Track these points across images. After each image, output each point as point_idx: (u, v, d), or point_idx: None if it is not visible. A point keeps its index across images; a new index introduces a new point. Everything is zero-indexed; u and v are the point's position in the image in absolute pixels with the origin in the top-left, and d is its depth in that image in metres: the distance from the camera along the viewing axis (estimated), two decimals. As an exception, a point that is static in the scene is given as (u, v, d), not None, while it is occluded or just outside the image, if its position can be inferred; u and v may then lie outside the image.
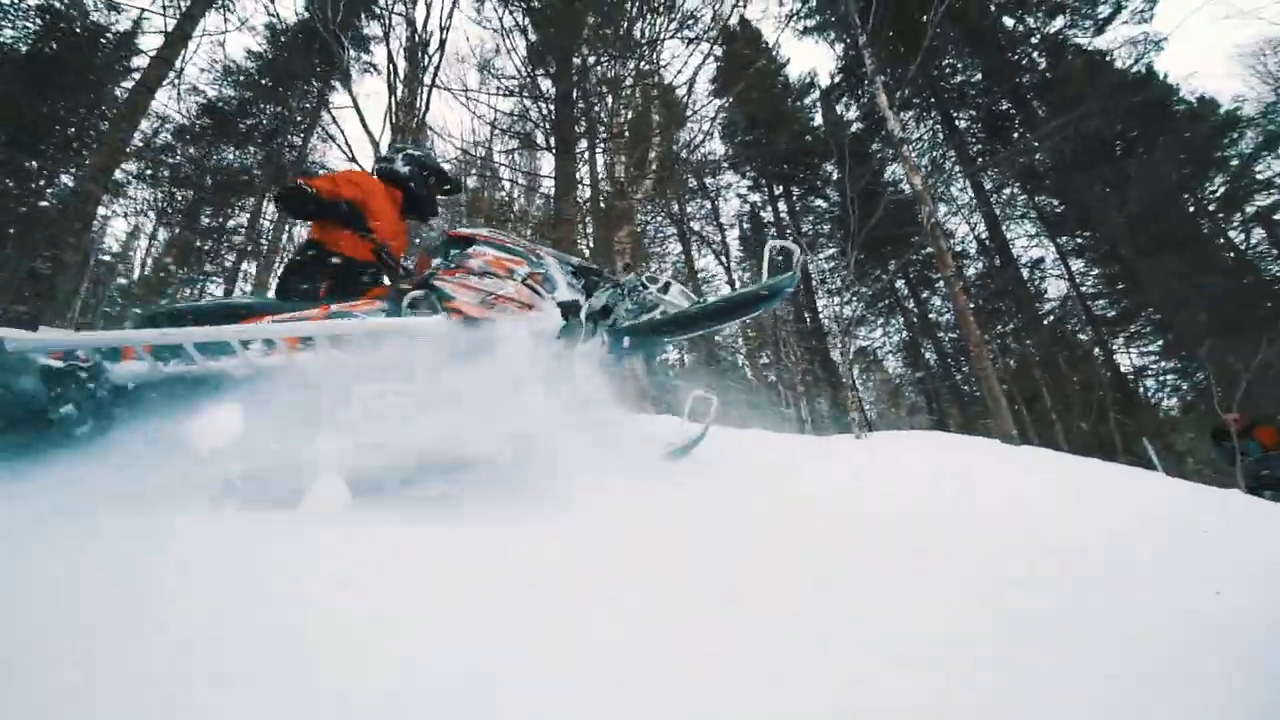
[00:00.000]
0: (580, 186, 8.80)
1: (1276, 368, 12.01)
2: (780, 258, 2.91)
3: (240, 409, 1.68)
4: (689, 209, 21.47)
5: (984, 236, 15.42)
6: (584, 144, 8.78)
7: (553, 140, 7.86)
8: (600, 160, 10.59)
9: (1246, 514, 2.80)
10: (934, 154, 15.08)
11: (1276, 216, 16.03)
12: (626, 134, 11.49)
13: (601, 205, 9.02)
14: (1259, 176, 16.72)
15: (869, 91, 9.56)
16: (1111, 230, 12.18)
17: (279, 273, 2.96)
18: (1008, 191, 15.30)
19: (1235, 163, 17.62)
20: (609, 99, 10.38)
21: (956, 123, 14.89)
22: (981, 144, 14.91)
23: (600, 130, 9.91)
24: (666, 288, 2.52)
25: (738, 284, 20.96)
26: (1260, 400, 9.40)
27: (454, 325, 2.13)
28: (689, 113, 22.05)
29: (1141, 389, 16.66)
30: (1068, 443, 14.22)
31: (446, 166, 3.08)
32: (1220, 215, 17.69)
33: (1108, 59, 16.33)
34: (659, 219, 21.85)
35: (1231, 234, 16.56)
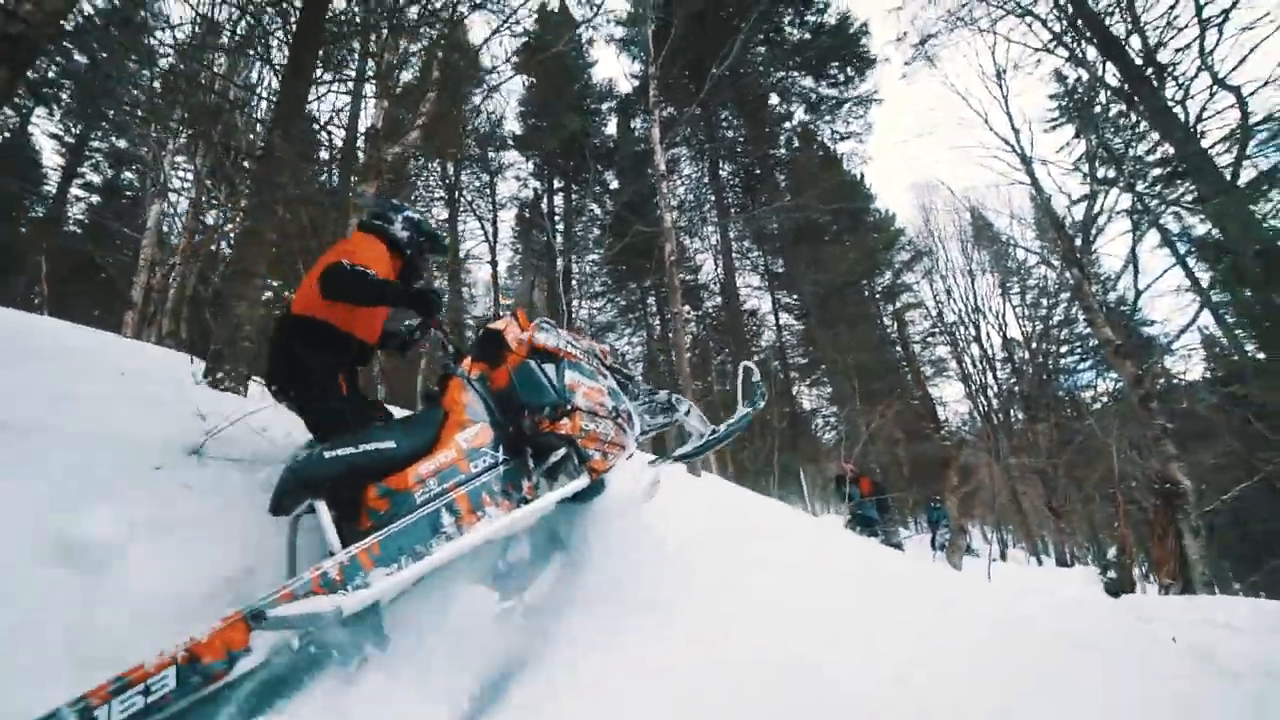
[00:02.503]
0: (321, 126, 7.35)
1: (888, 431, 16.24)
2: (745, 375, 3.18)
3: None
4: (463, 177, 20.14)
5: (720, 277, 17.56)
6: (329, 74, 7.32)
7: (284, 54, 6.24)
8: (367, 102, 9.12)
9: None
10: (698, 192, 16.66)
11: (907, 315, 21.36)
12: (398, 76, 10.16)
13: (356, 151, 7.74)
14: (906, 280, 22.61)
15: (647, 121, 9.91)
16: (806, 298, 14.89)
17: (272, 352, 2.30)
18: (746, 244, 17.72)
19: (895, 267, 23.50)
20: (384, 31, 9.00)
21: (721, 171, 16.68)
22: (737, 196, 16.97)
23: (360, 63, 8.51)
24: (687, 410, 2.86)
25: (500, 262, 20.42)
26: (871, 454, 12.56)
27: (594, 487, 2.21)
28: (485, 75, 21.02)
29: (812, 426, 21.01)
30: (750, 465, 17.20)
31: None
32: (881, 303, 23.27)
33: (836, 157, 20.12)
34: (429, 181, 20.24)
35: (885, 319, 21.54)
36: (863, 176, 25.52)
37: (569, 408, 2.14)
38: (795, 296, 19.44)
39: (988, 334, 20.33)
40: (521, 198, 22.14)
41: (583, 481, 2.08)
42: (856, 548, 5.14)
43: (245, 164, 8.09)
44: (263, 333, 4.88)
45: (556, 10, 24.53)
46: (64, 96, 16.33)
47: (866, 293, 22.09)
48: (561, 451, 2.11)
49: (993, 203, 16.22)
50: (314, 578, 1.46)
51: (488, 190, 20.79)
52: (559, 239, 20.26)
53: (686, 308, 24.44)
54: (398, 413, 2.56)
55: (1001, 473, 15.44)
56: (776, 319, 18.78)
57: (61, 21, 7.17)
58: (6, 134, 17.61)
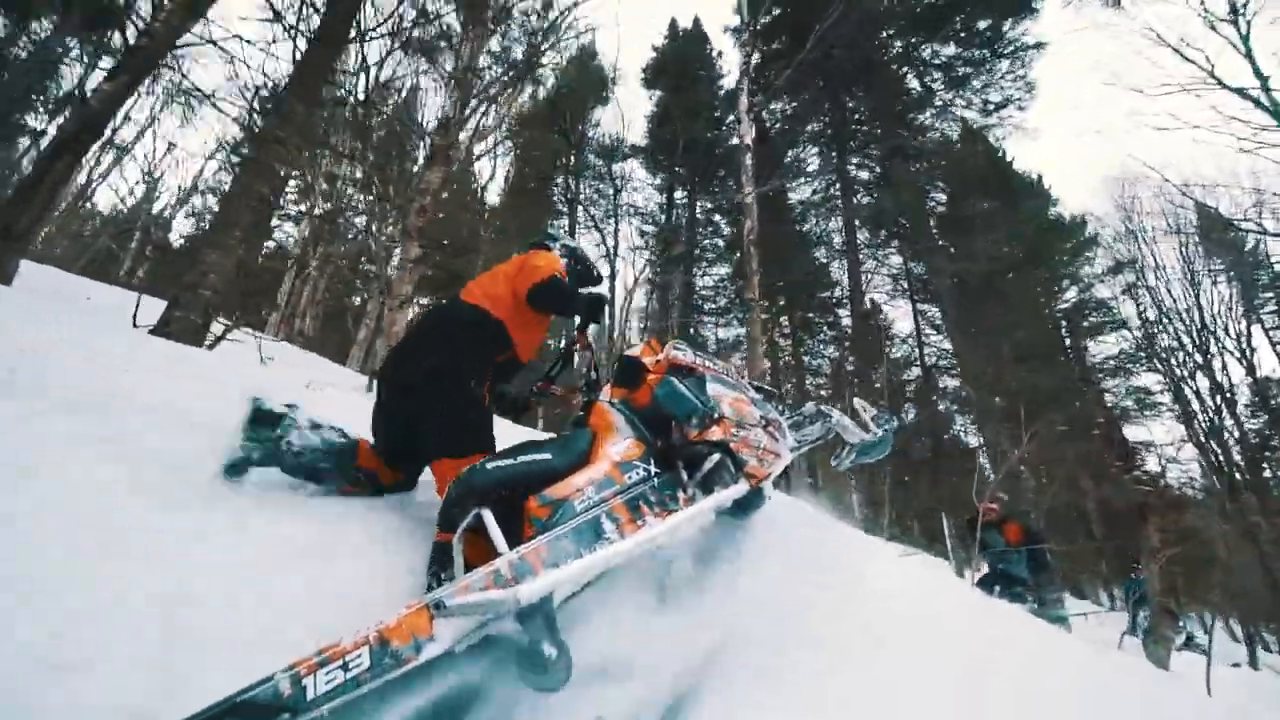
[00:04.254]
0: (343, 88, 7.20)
1: (1067, 469, 12.71)
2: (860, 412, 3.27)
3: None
4: (584, 190, 20.32)
5: (846, 285, 15.38)
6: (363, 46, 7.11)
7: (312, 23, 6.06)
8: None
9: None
10: (823, 180, 14.86)
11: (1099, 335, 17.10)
12: (486, 67, 10.14)
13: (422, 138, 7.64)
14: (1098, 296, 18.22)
15: (738, 88, 8.76)
16: (944, 293, 12.24)
17: (420, 329, 2.29)
18: (886, 254, 15.39)
19: (1085, 280, 19.13)
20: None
21: (849, 162, 14.72)
22: (870, 192, 14.83)
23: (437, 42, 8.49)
24: (838, 418, 2.89)
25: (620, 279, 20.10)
26: (1035, 496, 9.68)
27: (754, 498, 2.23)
28: (608, 88, 21.25)
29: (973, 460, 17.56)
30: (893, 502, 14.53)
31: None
32: (1059, 315, 19.04)
33: (996, 149, 16.96)
34: (552, 194, 20.75)
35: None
36: (1040, 179, 21.73)
37: (716, 416, 2.15)
38: (934, 303, 16.38)
39: (1223, 362, 15.69)
40: (646, 210, 21.77)
41: (741, 488, 2.01)
42: (984, 616, 3.46)
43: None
44: (229, 283, 4.72)
45: (690, 27, 24.58)
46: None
47: (1043, 301, 18.17)
48: (715, 458, 2.03)
49: (1223, 190, 12.31)
50: (486, 576, 1.49)
51: (610, 203, 20.67)
52: (679, 247, 19.53)
53: (820, 320, 22.45)
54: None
55: (1241, 543, 11.24)
56: (917, 327, 15.96)
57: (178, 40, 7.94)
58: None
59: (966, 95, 12.73)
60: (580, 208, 20.79)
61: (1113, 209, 20.18)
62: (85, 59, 10.58)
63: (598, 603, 1.90)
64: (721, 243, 21.78)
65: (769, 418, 2.29)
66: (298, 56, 5.64)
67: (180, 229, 23.06)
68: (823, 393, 20.82)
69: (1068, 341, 17.47)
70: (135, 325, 4.16)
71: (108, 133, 18.25)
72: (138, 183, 19.94)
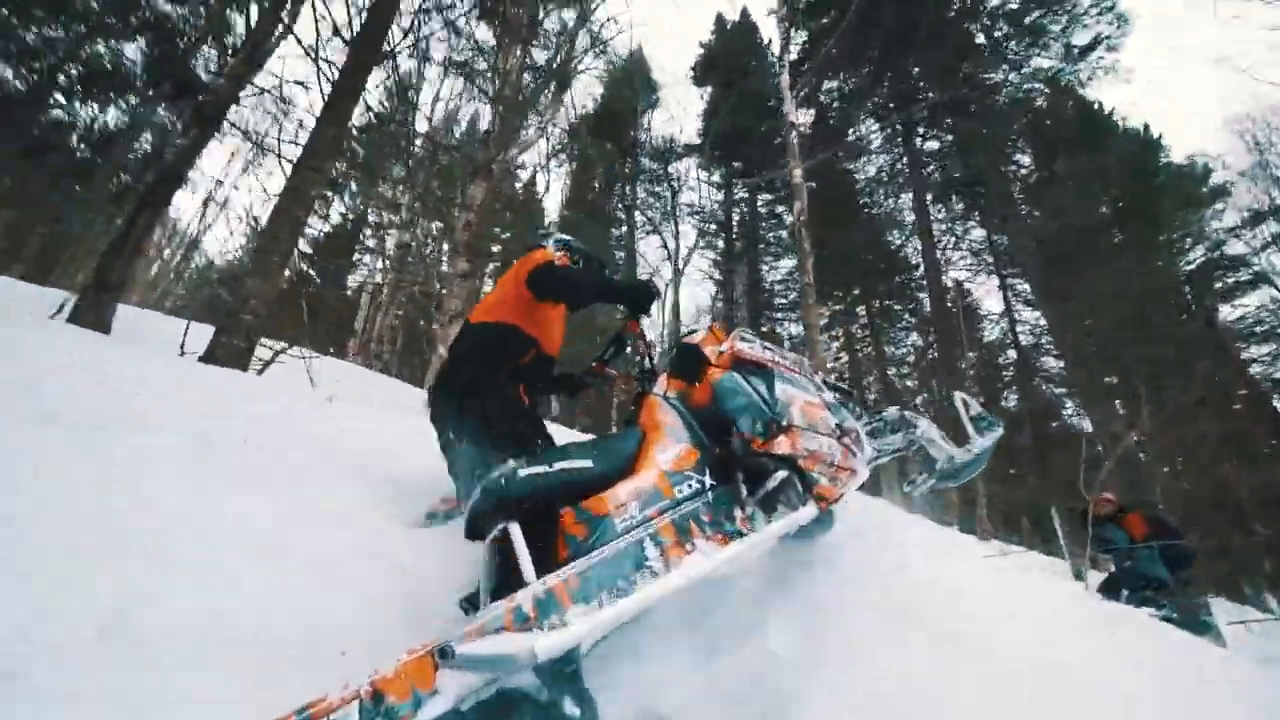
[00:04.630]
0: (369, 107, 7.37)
1: (1208, 450, 10.96)
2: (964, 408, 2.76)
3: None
4: (640, 193, 20.20)
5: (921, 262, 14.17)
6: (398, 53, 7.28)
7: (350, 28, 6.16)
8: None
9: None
10: (889, 156, 13.86)
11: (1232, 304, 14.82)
12: (525, 80, 10.21)
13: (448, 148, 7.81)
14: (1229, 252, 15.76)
15: (779, 66, 8.31)
16: (1032, 270, 10.89)
17: (451, 356, 2.28)
18: (965, 228, 14.09)
19: (1213, 236, 16.64)
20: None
21: (916, 133, 13.63)
22: (943, 161, 13.66)
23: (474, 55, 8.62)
24: (925, 429, 2.52)
25: (681, 274, 19.71)
26: (1165, 483, 8.29)
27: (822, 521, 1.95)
28: (656, 90, 21.06)
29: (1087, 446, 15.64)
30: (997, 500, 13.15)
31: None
32: (1191, 292, 16.66)
33: (1100, 110, 15.14)
34: (609, 201, 20.72)
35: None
36: (1146, 127, 19.33)
37: (784, 424, 1.87)
38: (1023, 277, 14.70)
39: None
40: (705, 209, 21.37)
41: (810, 512, 1.77)
42: (1102, 629, 2.88)
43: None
44: (270, 305, 4.86)
45: (736, 19, 24.02)
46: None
47: (1160, 264, 15.98)
48: (780, 476, 1.78)
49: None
50: (506, 612, 1.31)
51: (667, 205, 20.45)
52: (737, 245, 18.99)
53: (900, 307, 20.99)
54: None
55: None
56: (1007, 304, 14.39)
57: (240, 92, 8.51)
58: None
59: (1044, 41, 11.36)
60: (638, 213, 20.77)
61: (1244, 151, 17.67)
62: (170, 125, 11.70)
63: (631, 646, 1.71)
64: (786, 235, 20.98)
65: (845, 426, 2.00)
66: (325, 86, 5.92)
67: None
68: (908, 383, 19.48)
69: (1193, 306, 15.28)
70: (183, 352, 4.36)
71: (203, 189, 20.10)
72: (232, 232, 21.85)
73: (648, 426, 1.93)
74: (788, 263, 21.77)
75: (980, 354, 19.40)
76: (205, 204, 18.72)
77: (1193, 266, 17.31)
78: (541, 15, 9.25)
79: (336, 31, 5.87)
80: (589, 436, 2.38)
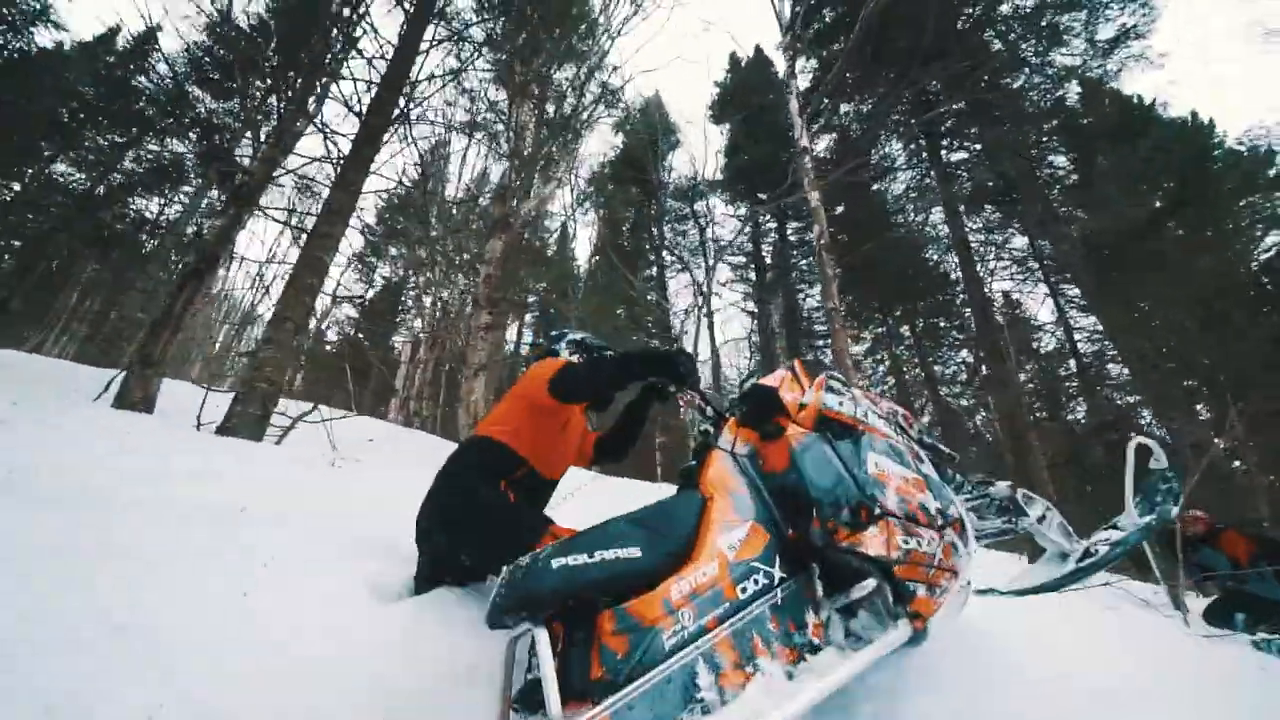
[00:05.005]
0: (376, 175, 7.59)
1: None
2: (1139, 457, 2.21)
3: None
4: (666, 231, 20.31)
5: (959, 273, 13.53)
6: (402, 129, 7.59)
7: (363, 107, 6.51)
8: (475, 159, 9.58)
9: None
10: (917, 172, 13.48)
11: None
12: (540, 133, 10.51)
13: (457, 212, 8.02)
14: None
15: (786, 92, 8.26)
16: (1081, 272, 10.15)
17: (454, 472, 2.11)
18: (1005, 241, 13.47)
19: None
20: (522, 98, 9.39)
21: (942, 145, 13.26)
22: (971, 171, 13.20)
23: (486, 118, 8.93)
24: (1042, 515, 2.06)
25: (713, 311, 19.52)
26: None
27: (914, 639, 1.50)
28: (675, 132, 21.38)
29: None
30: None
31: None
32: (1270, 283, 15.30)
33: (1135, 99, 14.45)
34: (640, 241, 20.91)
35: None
36: (1193, 115, 18.34)
37: (877, 511, 1.50)
38: (1074, 283, 13.77)
39: None
40: (731, 243, 21.31)
41: (902, 633, 1.42)
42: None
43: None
44: (281, 374, 4.94)
45: (750, 55, 24.40)
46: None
47: (1230, 257, 14.79)
48: (869, 586, 1.45)
49: None
50: None
51: (694, 242, 20.47)
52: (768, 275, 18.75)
53: (947, 324, 20.11)
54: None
55: None
56: (1060, 310, 13.44)
57: (273, 173, 9.03)
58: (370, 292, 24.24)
59: (1065, 40, 10.92)
60: (667, 253, 20.88)
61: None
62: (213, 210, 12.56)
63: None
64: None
65: (949, 514, 1.60)
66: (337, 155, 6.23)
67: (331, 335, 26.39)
68: (962, 402, 18.45)
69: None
70: (199, 426, 4.46)
71: (254, 266, 21.33)
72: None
73: (709, 489, 1.60)
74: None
75: (1039, 366, 18.33)
76: (256, 279, 19.96)
77: (1270, 254, 16.05)
78: (551, 70, 9.57)
79: (347, 105, 6.18)
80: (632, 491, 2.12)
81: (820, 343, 21.94)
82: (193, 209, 12.18)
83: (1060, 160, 13.02)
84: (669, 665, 1.23)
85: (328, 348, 24.07)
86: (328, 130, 7.39)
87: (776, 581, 1.44)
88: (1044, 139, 12.40)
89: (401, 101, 6.30)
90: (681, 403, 2.10)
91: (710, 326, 19.54)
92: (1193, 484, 5.97)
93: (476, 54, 7.92)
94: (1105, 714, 1.91)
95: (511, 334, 25.43)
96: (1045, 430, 16.22)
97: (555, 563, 1.29)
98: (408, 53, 7.16)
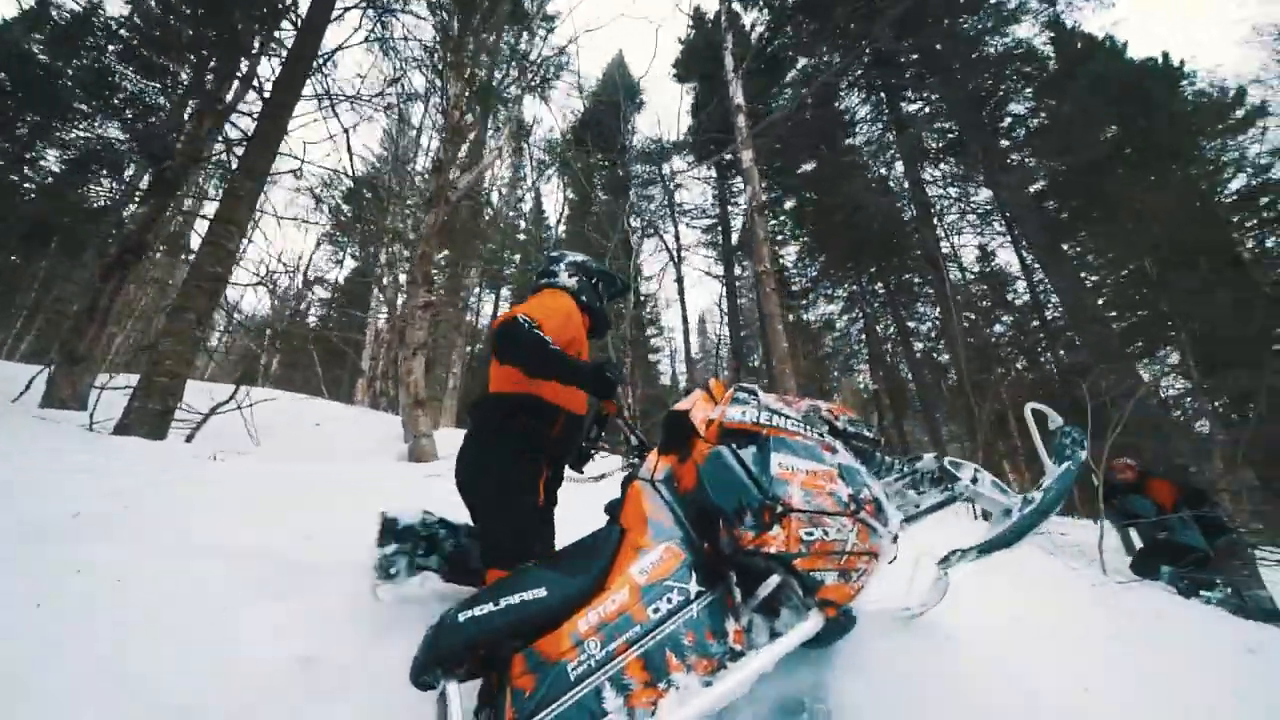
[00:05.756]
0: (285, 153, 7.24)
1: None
2: (1037, 421, 2.20)
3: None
4: (631, 196, 19.88)
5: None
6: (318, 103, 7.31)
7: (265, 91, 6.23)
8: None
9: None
10: (874, 129, 13.20)
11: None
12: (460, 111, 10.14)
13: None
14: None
15: (721, 48, 7.96)
16: (1028, 223, 9.96)
17: (483, 423, 2.05)
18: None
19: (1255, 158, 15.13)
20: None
21: (904, 105, 12.93)
22: (929, 126, 12.90)
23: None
24: (974, 478, 2.04)
25: (684, 277, 19.32)
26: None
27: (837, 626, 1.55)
28: (639, 97, 20.78)
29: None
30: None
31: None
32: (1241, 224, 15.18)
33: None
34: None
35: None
36: (1164, 56, 17.95)
37: (780, 510, 1.51)
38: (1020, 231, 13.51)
39: None
40: (700, 206, 20.98)
41: (814, 624, 1.46)
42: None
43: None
44: (183, 367, 4.81)
45: (710, 16, 23.58)
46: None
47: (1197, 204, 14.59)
48: (774, 581, 1.51)
49: None
50: None
51: (661, 205, 20.13)
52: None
53: (921, 279, 19.96)
54: None
55: None
56: (1023, 264, 13.28)
57: (198, 159, 8.70)
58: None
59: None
60: (635, 218, 20.51)
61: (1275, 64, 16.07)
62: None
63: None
64: (790, 221, 20.32)
65: (861, 497, 1.62)
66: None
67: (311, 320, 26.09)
68: (935, 355, 18.47)
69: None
70: (91, 426, 4.34)
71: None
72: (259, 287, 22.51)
73: (629, 523, 1.67)
74: (794, 249, 21.13)
75: (1013, 319, 18.31)
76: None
77: (1235, 198, 15.91)
78: (483, 33, 9.16)
79: (245, 83, 5.89)
80: None
81: (792, 302, 21.81)
82: (128, 196, 11.84)
83: (1018, 109, 12.74)
84: (572, 694, 1.27)
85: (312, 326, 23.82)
86: (250, 113, 7.10)
87: (693, 596, 1.47)
88: (1000, 86, 12.09)
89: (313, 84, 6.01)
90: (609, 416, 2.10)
91: (680, 292, 19.42)
92: (1117, 431, 6.01)
93: (390, 17, 7.57)
94: (992, 660, 2.07)
95: (488, 308, 25.20)
96: (1014, 382, 16.32)
97: (462, 616, 1.35)
98: (317, 23, 6.84)
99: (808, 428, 1.78)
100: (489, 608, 1.36)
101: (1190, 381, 11.20)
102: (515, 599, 1.38)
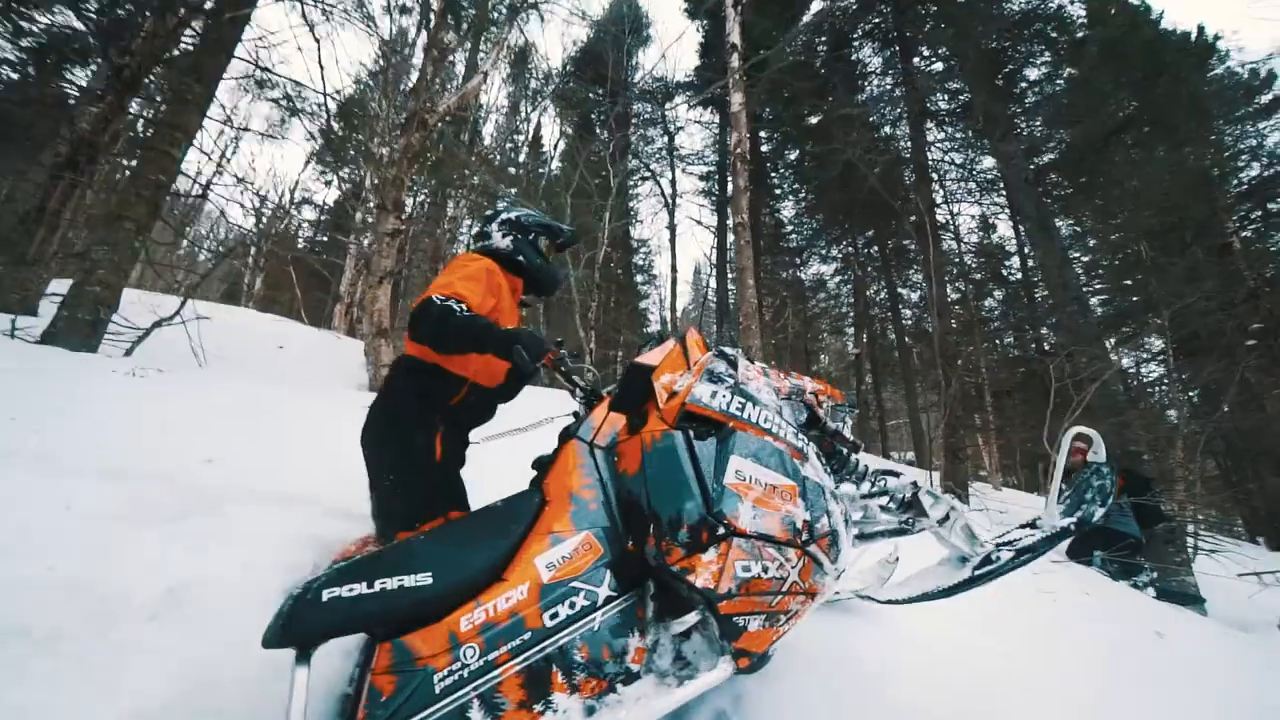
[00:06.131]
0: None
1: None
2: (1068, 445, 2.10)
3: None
4: (633, 140, 19.21)
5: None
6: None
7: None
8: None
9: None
10: (884, 83, 12.66)
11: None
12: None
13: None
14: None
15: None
16: (1022, 196, 9.68)
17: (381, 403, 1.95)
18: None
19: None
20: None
21: (917, 61, 12.30)
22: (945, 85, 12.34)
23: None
24: (947, 514, 1.79)
25: (678, 221, 18.82)
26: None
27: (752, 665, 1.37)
28: (646, 31, 19.66)
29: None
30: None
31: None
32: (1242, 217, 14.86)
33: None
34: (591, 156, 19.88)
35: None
36: (1200, 30, 17.11)
37: (721, 531, 1.31)
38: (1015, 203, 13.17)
39: None
40: (699, 153, 20.29)
41: (720, 674, 1.30)
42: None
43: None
44: (118, 276, 4.62)
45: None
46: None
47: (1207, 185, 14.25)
48: (690, 620, 1.34)
49: None
50: None
51: (662, 149, 19.46)
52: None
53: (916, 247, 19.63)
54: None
55: None
56: (1018, 236, 12.99)
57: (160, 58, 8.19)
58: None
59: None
60: (635, 160, 19.86)
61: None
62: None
63: None
64: (793, 173, 19.76)
65: (816, 528, 1.40)
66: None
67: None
68: (923, 323, 18.39)
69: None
70: (14, 334, 4.19)
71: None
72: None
73: (552, 492, 1.48)
74: (792, 204, 20.65)
75: (1006, 293, 18.13)
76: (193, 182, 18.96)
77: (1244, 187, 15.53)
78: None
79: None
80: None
81: (788, 259, 21.48)
82: (89, 93, 11.30)
83: (1034, 74, 12.18)
84: (434, 710, 1.13)
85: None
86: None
87: (601, 601, 1.31)
88: (1019, 48, 11.50)
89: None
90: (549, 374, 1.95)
91: (672, 240, 19.04)
92: (1076, 414, 6.03)
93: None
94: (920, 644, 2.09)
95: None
96: (995, 359, 16.33)
97: (326, 594, 1.17)
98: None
99: (781, 422, 1.52)
100: (360, 588, 1.18)
101: (1166, 368, 11.22)
102: (393, 583, 1.20)
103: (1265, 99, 16.25)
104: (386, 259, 7.55)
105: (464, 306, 1.62)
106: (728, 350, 1.64)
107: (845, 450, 1.81)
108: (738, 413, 1.47)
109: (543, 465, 1.64)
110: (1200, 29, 18.36)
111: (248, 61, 5.63)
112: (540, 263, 2.12)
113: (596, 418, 1.64)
